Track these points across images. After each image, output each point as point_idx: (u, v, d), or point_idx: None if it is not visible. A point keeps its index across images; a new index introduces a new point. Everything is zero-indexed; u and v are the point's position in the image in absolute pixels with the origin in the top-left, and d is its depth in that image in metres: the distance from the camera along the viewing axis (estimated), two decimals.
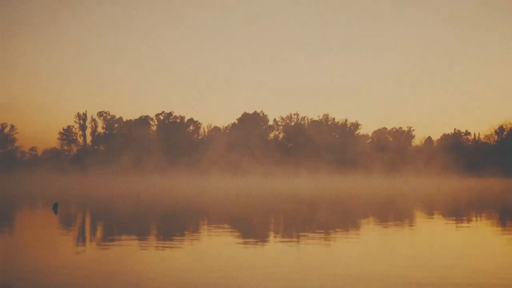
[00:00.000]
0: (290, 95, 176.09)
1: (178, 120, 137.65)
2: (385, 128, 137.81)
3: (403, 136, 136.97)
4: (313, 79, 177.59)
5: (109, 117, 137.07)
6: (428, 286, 9.42)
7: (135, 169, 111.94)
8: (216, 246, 14.94)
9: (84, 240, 17.03)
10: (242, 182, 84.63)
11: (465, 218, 24.93)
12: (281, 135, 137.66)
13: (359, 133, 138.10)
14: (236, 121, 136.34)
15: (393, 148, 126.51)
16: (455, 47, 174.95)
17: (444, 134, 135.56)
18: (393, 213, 27.52)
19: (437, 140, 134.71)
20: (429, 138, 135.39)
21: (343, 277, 10.36)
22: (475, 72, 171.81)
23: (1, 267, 11.61)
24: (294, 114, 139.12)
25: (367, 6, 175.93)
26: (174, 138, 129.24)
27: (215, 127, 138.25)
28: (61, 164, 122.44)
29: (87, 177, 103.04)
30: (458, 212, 28.70)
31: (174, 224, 22.25)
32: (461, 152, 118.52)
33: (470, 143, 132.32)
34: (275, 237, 17.70)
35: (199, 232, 19.15)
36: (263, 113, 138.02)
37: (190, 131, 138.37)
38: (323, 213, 27.28)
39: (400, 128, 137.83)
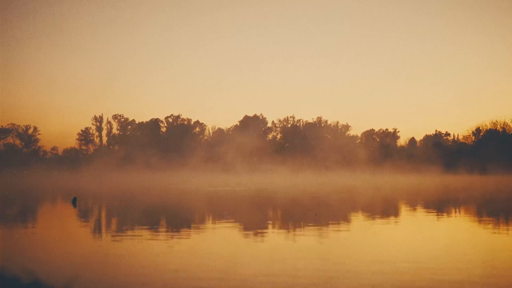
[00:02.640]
0: (287, 100, 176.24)
1: (186, 122, 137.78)
2: (373, 130, 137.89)
3: (389, 136, 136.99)
4: (308, 85, 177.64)
5: (123, 119, 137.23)
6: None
7: (144, 168, 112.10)
8: (210, 236, 15.21)
9: (100, 230, 17.26)
10: (243, 180, 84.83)
11: (432, 209, 25.16)
12: (278, 136, 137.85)
13: (349, 134, 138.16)
14: (238, 123, 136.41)
15: (380, 147, 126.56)
16: (439, 54, 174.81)
17: (426, 135, 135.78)
18: (371, 206, 27.75)
19: (420, 140, 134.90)
20: (413, 138, 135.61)
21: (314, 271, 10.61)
22: (455, 78, 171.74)
23: (26, 255, 11.85)
24: (291, 117, 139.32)
25: (356, 13, 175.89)
26: (181, 139, 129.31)
27: (219, 129, 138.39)
28: (79, 162, 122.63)
29: (102, 174, 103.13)
30: (428, 204, 28.93)
31: (179, 216, 22.51)
32: (441, 151, 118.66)
33: (449, 143, 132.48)
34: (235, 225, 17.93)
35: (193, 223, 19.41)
36: (262, 116, 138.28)
37: (197, 132, 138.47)
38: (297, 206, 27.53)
39: (387, 129, 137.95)
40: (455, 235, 15.81)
